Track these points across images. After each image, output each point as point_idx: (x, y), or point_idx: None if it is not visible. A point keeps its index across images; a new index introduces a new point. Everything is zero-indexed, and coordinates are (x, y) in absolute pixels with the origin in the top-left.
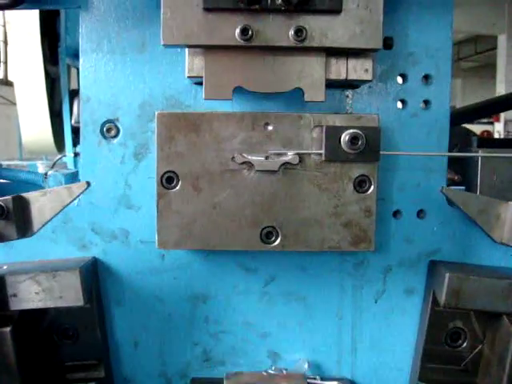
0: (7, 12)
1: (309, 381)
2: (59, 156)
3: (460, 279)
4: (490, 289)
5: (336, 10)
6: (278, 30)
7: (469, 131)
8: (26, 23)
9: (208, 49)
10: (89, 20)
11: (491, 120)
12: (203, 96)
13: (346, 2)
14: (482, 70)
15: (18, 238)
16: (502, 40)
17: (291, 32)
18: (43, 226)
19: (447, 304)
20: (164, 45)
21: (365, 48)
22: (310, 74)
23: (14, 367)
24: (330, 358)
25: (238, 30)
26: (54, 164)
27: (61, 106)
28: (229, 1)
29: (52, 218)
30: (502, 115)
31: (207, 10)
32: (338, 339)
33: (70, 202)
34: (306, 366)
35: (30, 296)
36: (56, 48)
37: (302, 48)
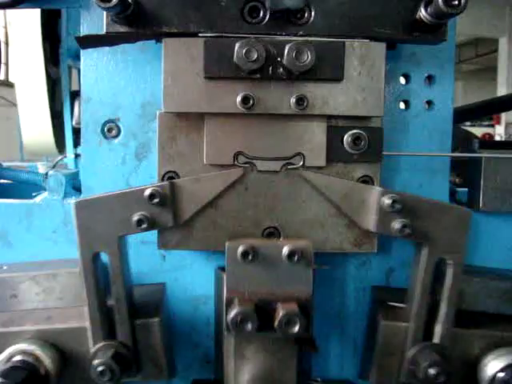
0: (8, 13)
1: (310, 383)
2: (60, 157)
3: (464, 281)
4: (493, 290)
5: (337, 78)
6: (279, 98)
7: (470, 134)
8: (27, 24)
9: (209, 115)
10: (90, 19)
11: (492, 123)
12: (204, 161)
13: (347, 70)
14: (482, 72)
15: (172, 225)
16: (502, 43)
17: (292, 100)
18: (195, 213)
19: None
20: (166, 112)
21: (366, 116)
22: (311, 139)
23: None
24: (333, 360)
25: (239, 98)
26: (55, 165)
27: (62, 107)
28: (230, 69)
29: (204, 206)
30: (503, 118)
31: (208, 78)
32: (340, 341)
33: (224, 190)
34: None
35: (30, 297)
36: (57, 49)
37: (303, 115)
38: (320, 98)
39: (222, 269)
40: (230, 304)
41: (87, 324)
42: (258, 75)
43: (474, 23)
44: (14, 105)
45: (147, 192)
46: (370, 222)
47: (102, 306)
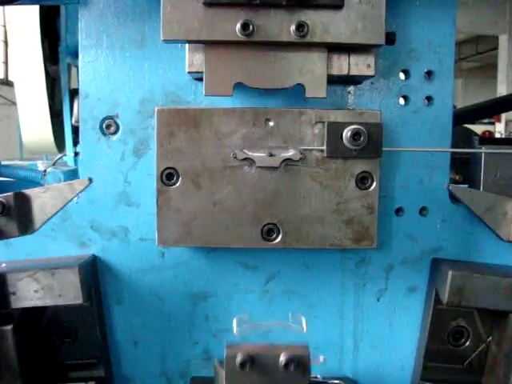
0: (7, 11)
1: (311, 380)
2: (59, 155)
3: (463, 277)
4: (493, 287)
5: (338, 5)
6: (279, 25)
7: (470, 131)
8: (25, 22)
9: (208, 44)
10: (88, 15)
11: (492, 120)
12: (203, 92)
13: None
14: (483, 70)
15: (19, 235)
16: (503, 40)
17: (292, 27)
18: (45, 222)
19: (450, 302)
20: (164, 40)
21: (367, 44)
22: (312, 69)
23: (16, 365)
24: (332, 357)
25: (238, 26)
26: (55, 163)
27: (61, 106)
28: None
29: (54, 215)
30: (503, 115)
31: (208, 4)
32: (339, 337)
33: (72, 199)
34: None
35: (29, 294)
36: (56, 47)
37: (303, 44)
38: (320, 25)
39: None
40: None
41: None
42: (258, 1)
43: (474, 21)
44: (14, 103)
45: None
46: None
47: None
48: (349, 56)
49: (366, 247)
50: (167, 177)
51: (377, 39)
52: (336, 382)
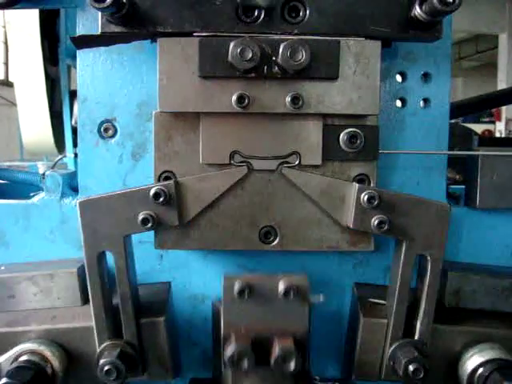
0: (7, 13)
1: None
2: (59, 157)
3: (461, 278)
4: (491, 288)
5: (332, 77)
6: (274, 97)
7: (470, 131)
8: (25, 24)
9: (205, 114)
10: (86, 19)
11: (492, 119)
12: (200, 160)
13: (342, 69)
14: (483, 69)
15: (175, 225)
16: (502, 39)
17: (288, 99)
18: (200, 212)
19: (448, 303)
20: (161, 112)
21: (362, 114)
22: (307, 138)
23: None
24: (330, 358)
25: (234, 98)
26: (55, 165)
27: (61, 107)
28: (225, 69)
29: (209, 204)
30: (504, 114)
31: (204, 77)
32: (338, 339)
33: (227, 187)
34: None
35: (27, 297)
36: (56, 49)
37: (298, 114)
38: (315, 96)
39: (219, 303)
40: (226, 339)
41: (93, 323)
42: (253, 74)
43: (474, 20)
44: (14, 104)
45: (152, 191)
46: (349, 218)
47: (108, 305)
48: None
49: (363, 250)
50: (165, 180)
51: (371, 109)
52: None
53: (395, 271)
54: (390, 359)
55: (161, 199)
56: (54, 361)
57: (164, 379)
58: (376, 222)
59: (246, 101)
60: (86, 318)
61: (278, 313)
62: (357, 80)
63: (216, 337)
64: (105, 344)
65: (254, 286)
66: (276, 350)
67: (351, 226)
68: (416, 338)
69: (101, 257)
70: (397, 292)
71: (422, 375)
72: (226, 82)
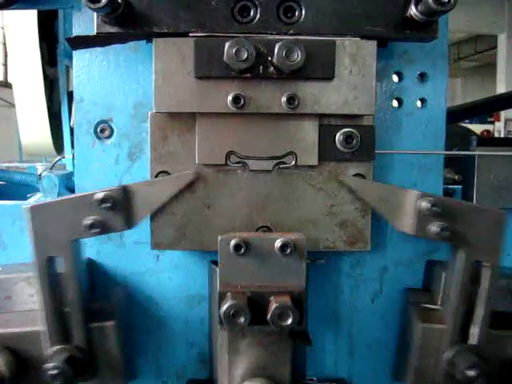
0: (5, 14)
1: (305, 382)
2: (58, 158)
3: None
4: None
5: (328, 77)
6: (270, 97)
7: (469, 131)
8: (24, 25)
9: (200, 114)
10: (82, 20)
11: (491, 119)
12: (196, 161)
13: (338, 69)
14: (482, 69)
15: (122, 230)
16: (502, 39)
17: (283, 99)
18: (146, 216)
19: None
20: (157, 112)
21: (358, 114)
22: (303, 138)
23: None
24: (327, 359)
25: (230, 98)
26: (53, 166)
27: (59, 108)
28: (220, 69)
29: (156, 209)
30: (503, 114)
31: (199, 77)
32: (334, 339)
33: (176, 192)
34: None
35: (24, 298)
36: (54, 49)
37: (294, 114)
38: (311, 96)
39: (215, 263)
40: (223, 298)
41: (42, 328)
42: (249, 74)
43: (473, 20)
44: (13, 106)
45: (99, 196)
46: (408, 225)
47: (57, 309)
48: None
49: (360, 249)
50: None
51: (368, 110)
52: None
53: (452, 277)
54: (446, 365)
55: (107, 204)
56: (1, 364)
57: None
58: (437, 229)
59: (242, 101)
60: (37, 323)
61: (274, 269)
62: (352, 80)
63: (212, 298)
64: (53, 349)
65: (251, 242)
66: (272, 307)
67: (411, 233)
68: (472, 343)
69: (50, 261)
70: (454, 298)
71: (482, 381)
72: (221, 83)
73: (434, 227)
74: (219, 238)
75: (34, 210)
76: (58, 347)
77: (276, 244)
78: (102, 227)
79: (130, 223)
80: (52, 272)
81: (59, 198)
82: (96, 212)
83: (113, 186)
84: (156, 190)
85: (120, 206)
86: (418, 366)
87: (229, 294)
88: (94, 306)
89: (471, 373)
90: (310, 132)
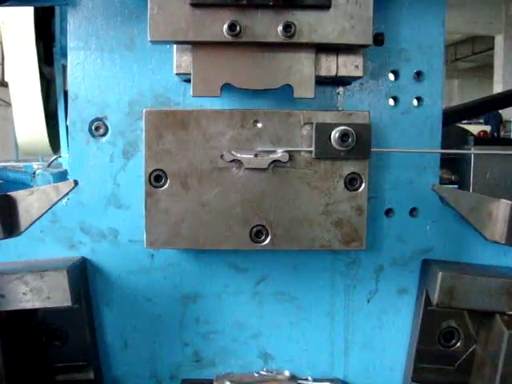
0: (2, 12)
1: (300, 381)
2: (54, 157)
3: (453, 278)
4: (484, 288)
5: (325, 6)
6: (266, 25)
7: (466, 131)
8: (20, 24)
9: (196, 45)
10: (77, 17)
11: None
12: (191, 93)
13: None
14: (479, 70)
15: (4, 238)
16: (499, 40)
17: (280, 28)
18: (30, 225)
19: (440, 303)
20: (151, 41)
21: (355, 44)
22: (300, 70)
23: (0, 367)
24: (322, 359)
25: (225, 26)
26: (50, 165)
27: (56, 107)
28: None
29: (39, 217)
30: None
31: (195, 5)
32: (330, 339)
33: (58, 201)
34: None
35: (17, 296)
36: (51, 48)
37: (290, 44)
38: (308, 25)
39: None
40: None
41: None
42: (245, 1)
43: (471, 21)
44: (10, 105)
45: None
46: (499, 234)
47: None
48: (337, 57)
49: (355, 248)
50: (155, 179)
51: (364, 39)
52: (327, 383)
53: None
54: None
55: None
56: None
57: None
58: None
59: (238, 29)
60: None
61: None
62: (349, 9)
63: None
64: None
65: None
66: None
67: (503, 242)
68: None
69: None
70: None
71: None
72: (217, 11)
73: None
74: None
75: None
76: None
77: None
78: None
79: (13, 231)
80: None
81: None
82: None
83: None
84: (38, 198)
85: (2, 214)
86: (505, 372)
87: None
88: None
89: None
90: (306, 64)
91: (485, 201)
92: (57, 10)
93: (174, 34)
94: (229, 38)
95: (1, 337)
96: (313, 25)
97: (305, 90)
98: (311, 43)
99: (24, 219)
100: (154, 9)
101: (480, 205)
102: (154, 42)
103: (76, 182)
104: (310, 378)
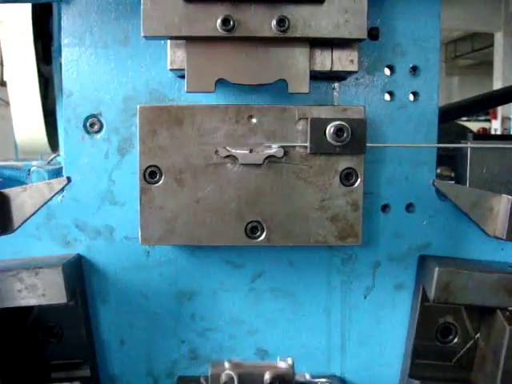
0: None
1: (297, 378)
2: (53, 156)
3: (450, 274)
4: (480, 283)
5: (319, 0)
6: (260, 20)
7: (465, 128)
8: (18, 22)
9: (189, 40)
10: (70, 13)
11: (488, 117)
12: (185, 89)
13: None
14: (478, 67)
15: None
16: (498, 37)
17: (273, 22)
18: (24, 222)
19: (437, 299)
20: (145, 36)
21: (349, 38)
22: (294, 65)
23: None
24: (319, 355)
25: (219, 21)
26: (49, 163)
27: (54, 106)
28: None
29: (33, 215)
30: (499, 112)
31: (188, 0)
32: (326, 335)
33: (51, 198)
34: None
35: (12, 294)
36: (49, 47)
37: (284, 38)
38: (302, 19)
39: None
40: None
41: None
42: None
43: (470, 18)
44: (9, 104)
45: None
46: (500, 229)
47: None
48: (332, 51)
49: (351, 244)
50: (150, 175)
51: (359, 33)
52: (323, 380)
53: None
54: None
55: None
56: None
57: None
58: None
59: (231, 24)
60: None
61: None
62: (344, 3)
63: None
64: None
65: (240, 376)
66: None
67: (504, 238)
68: None
69: None
70: None
71: None
72: (210, 6)
73: None
74: (209, 370)
75: None
76: None
77: (265, 379)
78: None
79: (6, 229)
80: None
81: None
82: None
83: None
84: (31, 195)
85: None
86: (506, 368)
87: None
88: None
89: None
90: (300, 58)
91: (486, 196)
92: (54, 8)
93: (167, 29)
94: (222, 33)
95: None
96: (307, 19)
97: (299, 84)
98: (305, 37)
99: (17, 216)
100: (147, 3)
101: (481, 200)
102: (147, 38)
103: (69, 179)
104: (306, 374)
